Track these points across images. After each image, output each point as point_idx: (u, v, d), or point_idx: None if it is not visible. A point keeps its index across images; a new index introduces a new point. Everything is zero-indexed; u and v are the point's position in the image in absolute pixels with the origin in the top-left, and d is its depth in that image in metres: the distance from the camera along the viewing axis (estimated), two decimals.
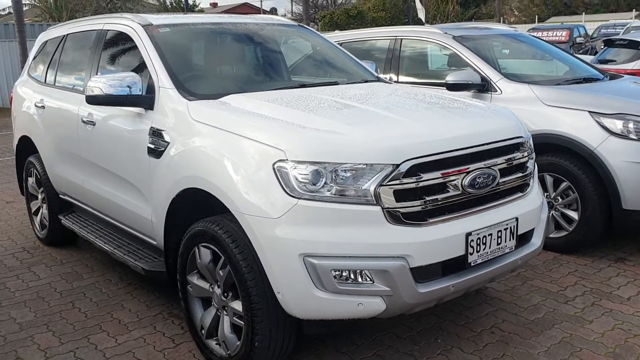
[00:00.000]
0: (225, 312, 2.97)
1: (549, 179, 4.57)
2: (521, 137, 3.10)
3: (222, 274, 2.89)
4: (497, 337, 3.34)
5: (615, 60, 8.54)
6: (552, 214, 4.58)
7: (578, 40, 20.34)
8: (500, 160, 2.92)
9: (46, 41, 5.24)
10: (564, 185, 4.52)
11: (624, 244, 4.78)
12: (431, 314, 3.59)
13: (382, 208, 2.56)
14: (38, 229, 5.26)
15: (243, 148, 2.79)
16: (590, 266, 4.33)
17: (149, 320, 3.69)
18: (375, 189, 2.54)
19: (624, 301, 3.74)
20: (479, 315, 3.59)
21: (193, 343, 3.30)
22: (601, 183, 4.32)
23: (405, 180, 2.59)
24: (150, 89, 3.45)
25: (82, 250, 5.00)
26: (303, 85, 3.72)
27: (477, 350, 3.20)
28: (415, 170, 2.61)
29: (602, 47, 10.08)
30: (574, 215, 4.49)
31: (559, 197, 4.58)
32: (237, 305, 2.83)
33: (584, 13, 39.18)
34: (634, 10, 36.75)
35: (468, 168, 2.76)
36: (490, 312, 3.63)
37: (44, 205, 5.08)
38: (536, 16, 42.47)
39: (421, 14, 21.37)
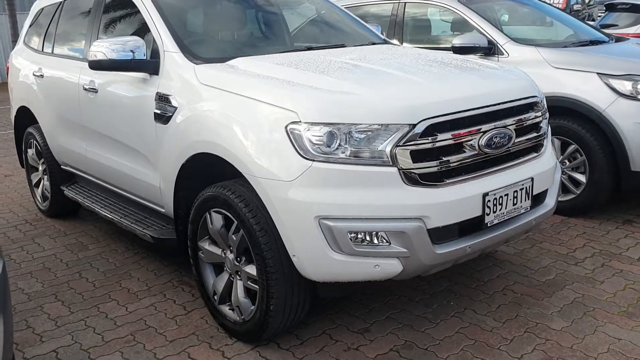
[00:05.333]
0: (238, 277, 2.94)
1: (556, 142, 4.53)
2: (535, 96, 3.06)
3: (235, 238, 2.85)
4: (509, 298, 3.34)
5: (617, 25, 8.45)
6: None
7: (575, 7, 20.12)
8: (516, 119, 2.87)
9: (42, 8, 5.10)
10: (571, 148, 4.49)
11: (630, 206, 4.78)
12: (442, 277, 3.59)
13: (399, 169, 2.51)
14: (40, 200, 5.20)
15: (255, 111, 2.73)
16: (598, 228, 4.33)
17: (158, 288, 3.67)
18: (391, 149, 2.50)
19: (634, 262, 3.75)
20: (490, 278, 3.59)
21: (205, 310, 3.29)
22: (609, 145, 4.29)
23: (421, 141, 2.54)
24: (155, 54, 3.36)
25: (85, 221, 4.96)
26: (310, 48, 3.64)
27: (491, 312, 3.20)
28: (432, 130, 2.56)
29: (602, 12, 9.92)
30: (582, 178, 4.47)
31: (566, 160, 4.55)
32: (251, 270, 2.80)
33: None
34: None
35: (484, 127, 2.71)
36: (501, 275, 3.63)
37: (45, 177, 5.01)
38: None
39: None
